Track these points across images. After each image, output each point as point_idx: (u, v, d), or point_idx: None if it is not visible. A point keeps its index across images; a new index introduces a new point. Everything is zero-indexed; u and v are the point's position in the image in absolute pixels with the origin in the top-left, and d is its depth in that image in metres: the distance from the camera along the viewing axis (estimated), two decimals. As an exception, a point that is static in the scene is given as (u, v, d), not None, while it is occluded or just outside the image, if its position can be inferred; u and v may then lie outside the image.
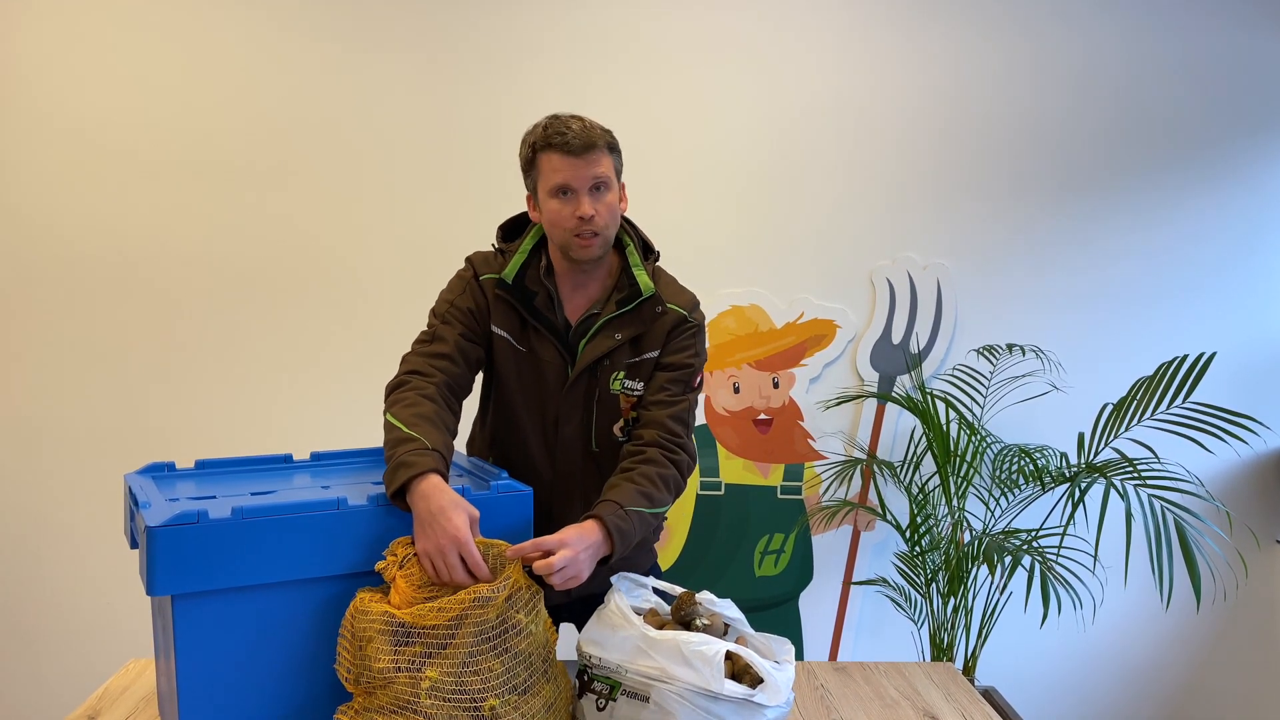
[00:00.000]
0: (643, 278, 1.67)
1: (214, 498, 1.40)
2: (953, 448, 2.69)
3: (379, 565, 1.35)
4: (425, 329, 1.68)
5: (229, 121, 2.76)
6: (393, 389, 1.58)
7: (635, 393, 1.69)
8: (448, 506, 1.35)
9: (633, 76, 2.80)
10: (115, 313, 2.80)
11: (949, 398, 2.76)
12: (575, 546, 1.42)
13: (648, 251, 1.75)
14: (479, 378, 1.77)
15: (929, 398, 2.69)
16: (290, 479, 1.56)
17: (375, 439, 1.78)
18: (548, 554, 1.40)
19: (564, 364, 1.68)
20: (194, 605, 1.28)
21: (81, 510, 2.85)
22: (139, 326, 2.80)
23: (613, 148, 1.62)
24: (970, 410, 2.79)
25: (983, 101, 2.85)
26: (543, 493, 1.68)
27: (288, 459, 1.67)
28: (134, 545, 1.37)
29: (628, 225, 1.73)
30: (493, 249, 1.75)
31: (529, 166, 1.64)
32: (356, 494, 1.42)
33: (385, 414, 1.53)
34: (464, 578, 1.34)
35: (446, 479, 1.41)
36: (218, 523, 1.27)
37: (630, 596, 1.52)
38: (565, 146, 1.56)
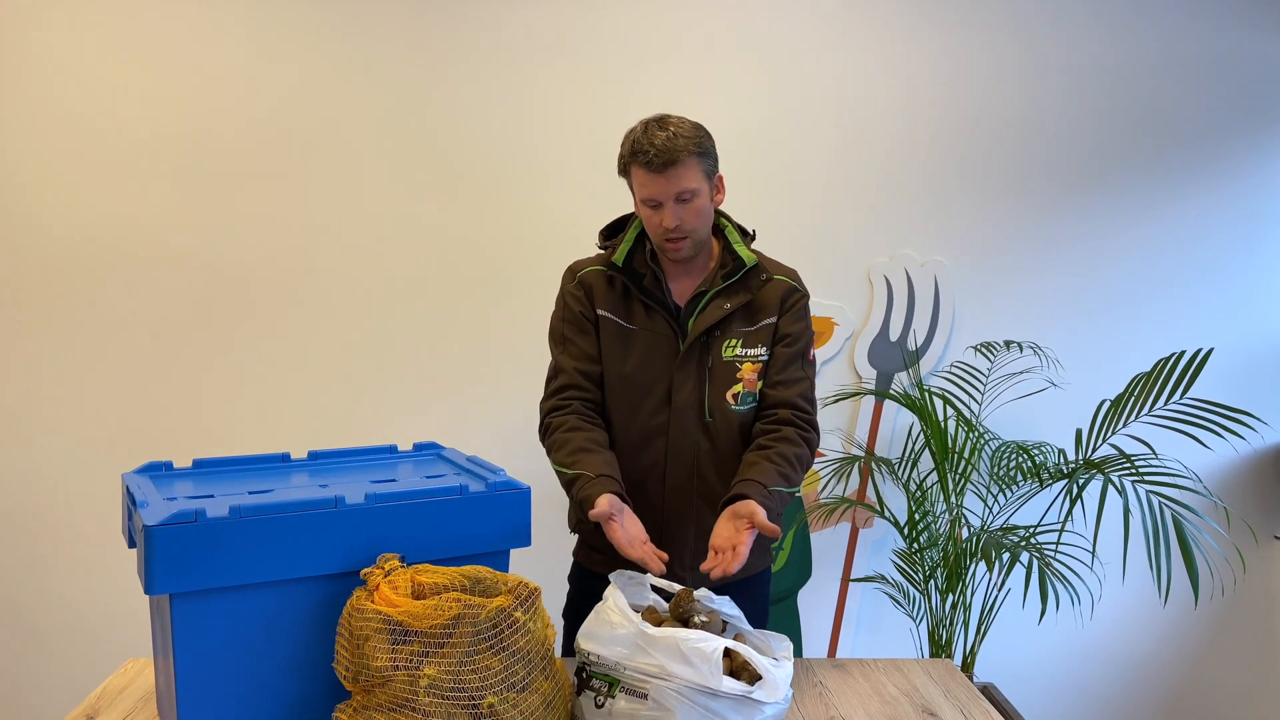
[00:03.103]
0: (744, 251, 1.77)
1: (211, 496, 1.40)
2: (951, 444, 2.69)
3: (364, 572, 1.35)
4: (551, 364, 1.83)
5: (229, 121, 2.75)
6: (543, 437, 1.77)
7: (754, 359, 1.76)
8: (601, 520, 1.56)
9: (628, 75, 2.80)
10: (113, 312, 2.80)
11: (947, 394, 2.76)
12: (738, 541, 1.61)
13: (743, 233, 1.83)
14: None
15: (927, 395, 2.69)
16: (288, 478, 1.56)
17: (373, 438, 1.79)
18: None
19: (675, 335, 1.75)
20: (192, 604, 1.27)
21: (79, 510, 2.84)
22: (137, 326, 2.80)
23: (702, 152, 1.66)
24: (968, 407, 2.79)
25: (980, 98, 2.85)
26: (659, 462, 1.77)
27: (285, 458, 1.66)
28: (132, 544, 1.37)
29: (722, 213, 1.82)
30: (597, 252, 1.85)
31: (624, 173, 1.72)
32: (354, 492, 1.41)
33: (552, 463, 1.72)
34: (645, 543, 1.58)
35: (620, 492, 1.62)
36: (215, 521, 1.26)
37: (628, 594, 1.52)
38: (648, 164, 1.64)
